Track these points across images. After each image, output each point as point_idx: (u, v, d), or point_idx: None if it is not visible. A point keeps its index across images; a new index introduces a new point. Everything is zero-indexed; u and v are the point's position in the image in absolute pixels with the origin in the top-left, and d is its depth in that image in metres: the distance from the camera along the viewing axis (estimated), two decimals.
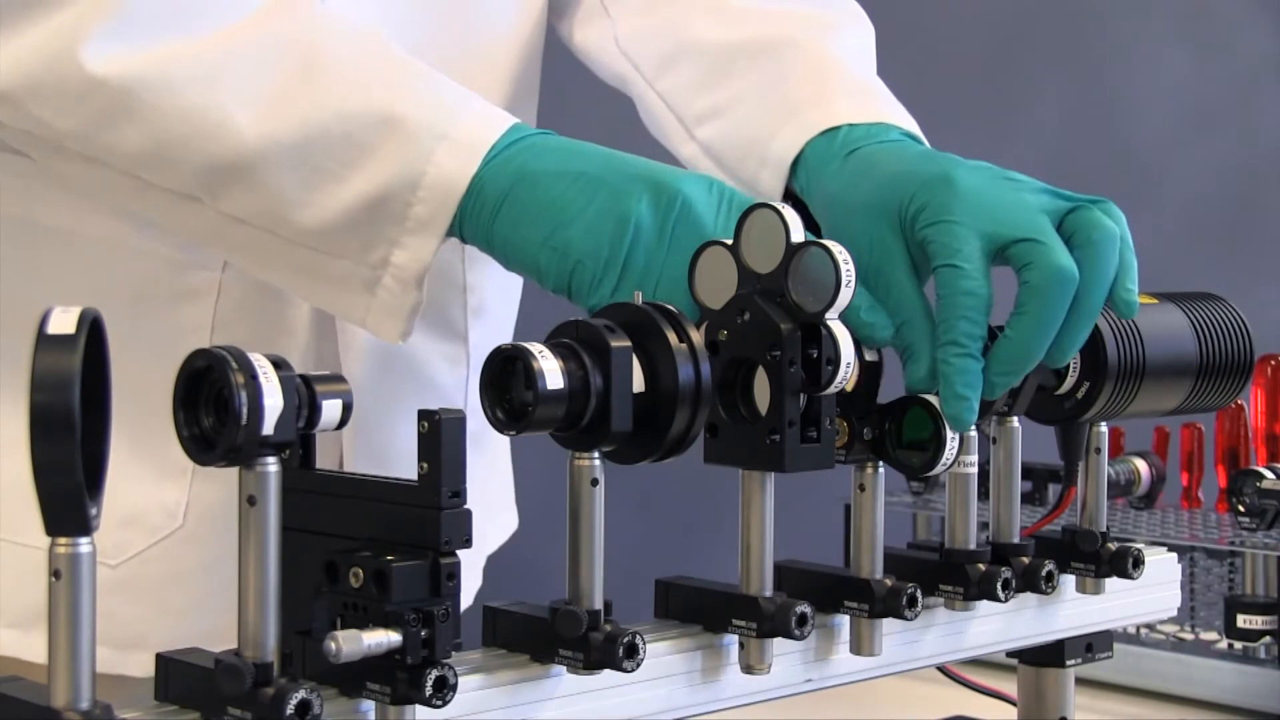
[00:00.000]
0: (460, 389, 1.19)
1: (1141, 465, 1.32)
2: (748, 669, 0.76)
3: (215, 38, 0.88)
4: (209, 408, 0.61)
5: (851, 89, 1.01)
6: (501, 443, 1.29)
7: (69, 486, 0.55)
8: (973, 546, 0.85)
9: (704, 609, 0.77)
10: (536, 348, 0.67)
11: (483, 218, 0.85)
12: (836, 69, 1.03)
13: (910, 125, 1.01)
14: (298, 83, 0.87)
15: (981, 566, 0.84)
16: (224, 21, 0.88)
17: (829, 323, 0.75)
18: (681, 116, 1.08)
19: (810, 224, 0.91)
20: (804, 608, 0.75)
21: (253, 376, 0.60)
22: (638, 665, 0.69)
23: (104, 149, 0.89)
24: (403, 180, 0.86)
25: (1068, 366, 0.89)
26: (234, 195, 0.87)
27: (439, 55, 1.14)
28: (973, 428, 0.82)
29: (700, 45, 1.09)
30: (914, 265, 0.84)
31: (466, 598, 1.13)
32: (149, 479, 1.03)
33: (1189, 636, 1.31)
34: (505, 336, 1.24)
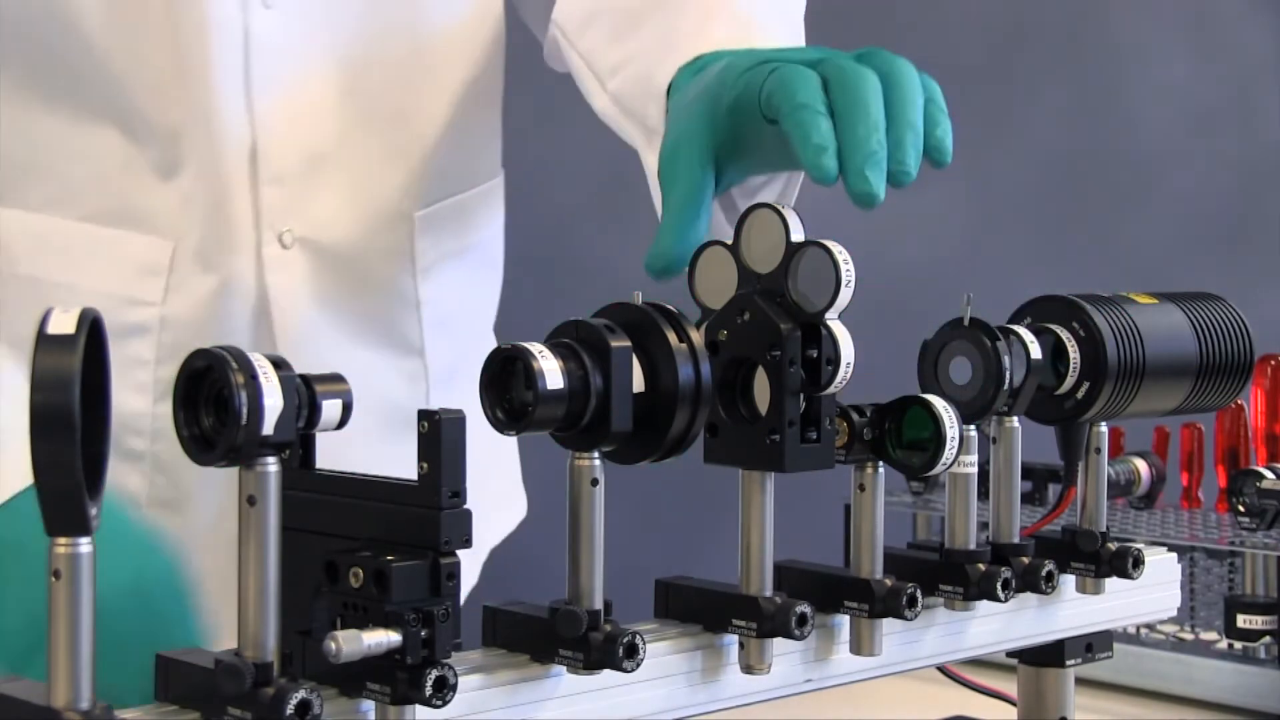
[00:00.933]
0: (420, 404, 1.19)
1: (1141, 465, 1.32)
2: (748, 669, 0.76)
3: None
4: (209, 408, 0.61)
5: (735, 17, 1.02)
6: None
7: (69, 486, 0.55)
8: (973, 546, 0.85)
9: (704, 609, 0.77)
10: (536, 347, 0.67)
11: None
12: (727, 2, 1.05)
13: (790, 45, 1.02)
14: None
15: (981, 566, 0.84)
16: None
17: (829, 323, 0.75)
18: (597, 72, 1.09)
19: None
20: (804, 608, 0.75)
21: (253, 376, 0.60)
22: (638, 665, 0.69)
23: None
24: None
25: (1069, 366, 0.89)
26: None
27: (390, 63, 1.14)
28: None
29: (615, 1, 1.10)
30: (714, 151, 0.88)
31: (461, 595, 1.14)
32: None
33: (1189, 636, 1.30)
34: (473, 347, 1.24)
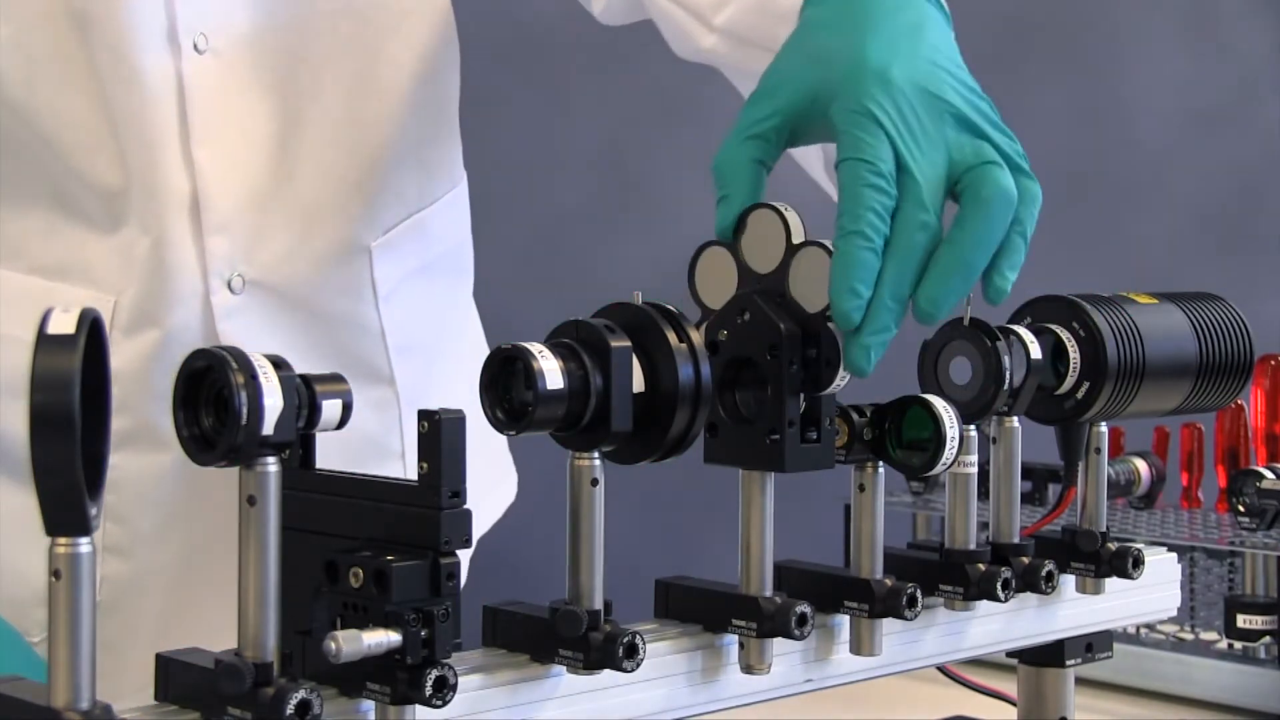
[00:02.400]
0: (394, 431, 1.18)
1: (1141, 465, 1.32)
2: (748, 669, 0.76)
3: None
4: (209, 408, 0.61)
5: None
6: None
7: (69, 486, 0.55)
8: (973, 546, 0.85)
9: (704, 609, 0.77)
10: (536, 348, 0.67)
11: None
12: None
13: None
14: None
15: (981, 566, 0.85)
16: None
17: (829, 323, 0.75)
18: (697, 11, 1.07)
19: None
20: (804, 608, 0.75)
21: (253, 376, 0.60)
22: (638, 665, 0.69)
23: None
24: None
25: (1069, 366, 0.89)
26: None
27: (334, 92, 1.10)
28: (968, 433, 0.81)
29: None
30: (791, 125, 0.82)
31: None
32: None
33: (1189, 636, 1.30)
34: (446, 367, 1.23)
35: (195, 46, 1.05)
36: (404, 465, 1.18)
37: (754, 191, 0.80)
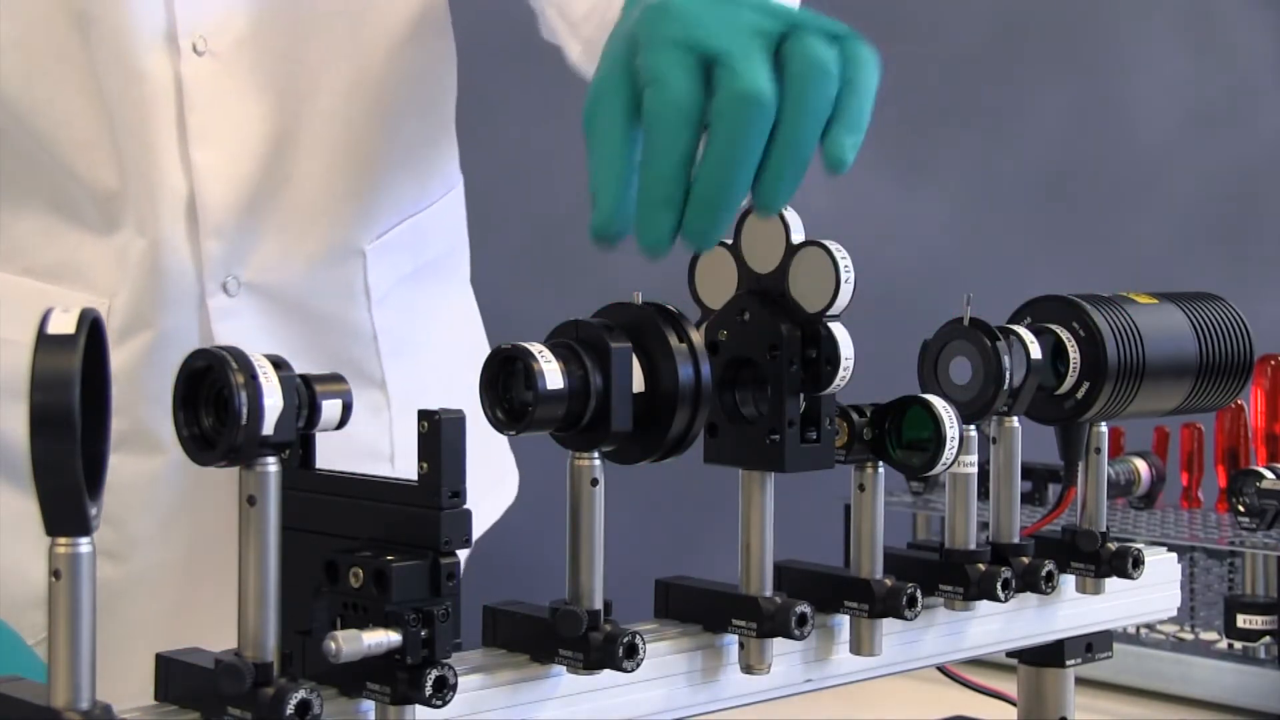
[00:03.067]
0: (384, 435, 1.17)
1: (1141, 465, 1.32)
2: (748, 669, 0.76)
3: None
4: (209, 408, 0.61)
5: None
6: None
7: (69, 486, 0.55)
8: (973, 546, 0.85)
9: (704, 609, 0.77)
10: (536, 348, 0.67)
11: None
12: None
13: None
14: None
15: (981, 566, 0.84)
16: None
17: (829, 323, 0.75)
18: (571, 21, 1.07)
19: None
20: (804, 608, 0.75)
21: (253, 376, 0.60)
22: (638, 665, 0.69)
23: None
24: None
25: (1069, 366, 0.89)
26: None
27: (332, 96, 1.10)
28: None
29: None
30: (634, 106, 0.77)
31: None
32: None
33: (1189, 636, 1.30)
34: (441, 370, 1.22)
35: (195, 48, 1.04)
36: (393, 469, 1.18)
37: (623, 179, 0.77)
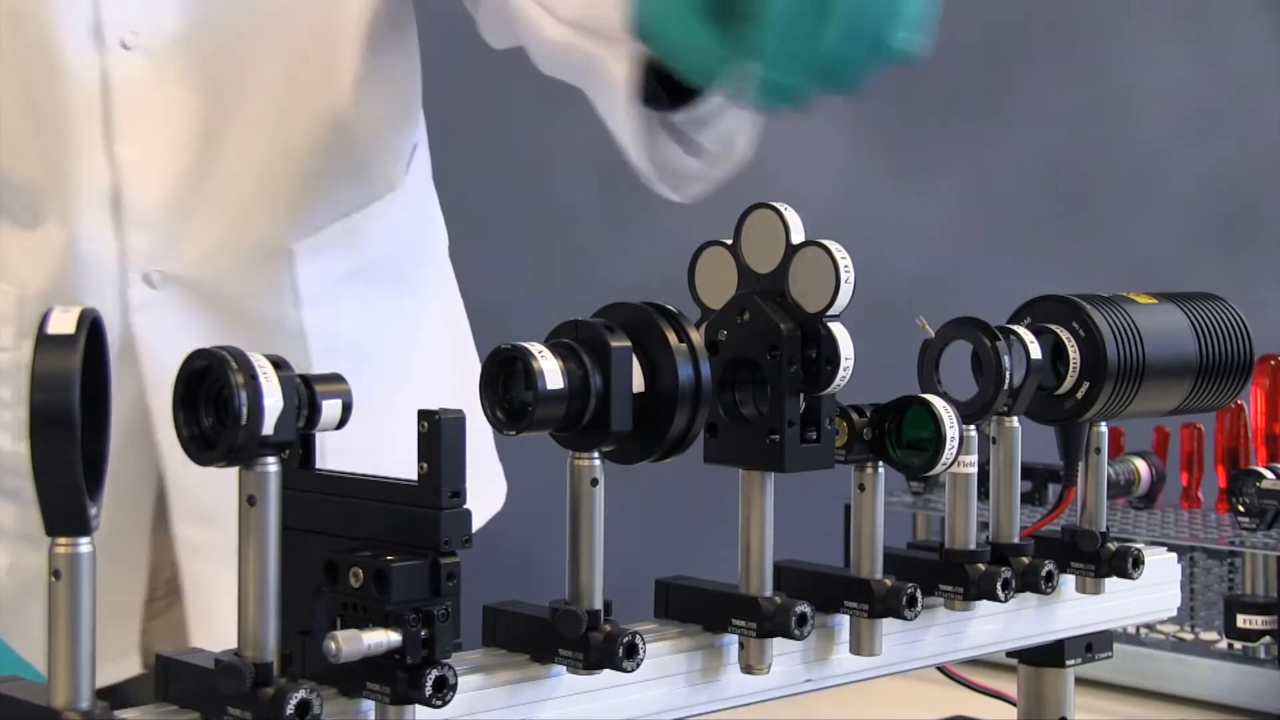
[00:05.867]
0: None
1: (1141, 465, 1.32)
2: (748, 669, 0.76)
3: None
4: (209, 408, 0.61)
5: None
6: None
7: (69, 486, 0.55)
8: (973, 546, 0.85)
9: (704, 609, 0.77)
10: (536, 348, 0.67)
11: None
12: None
13: None
14: None
15: (981, 566, 0.84)
16: None
17: (829, 323, 0.75)
18: (546, 3, 1.05)
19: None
20: (804, 608, 0.75)
21: (253, 376, 0.60)
22: (638, 665, 0.69)
23: None
24: None
25: (1069, 366, 0.89)
26: None
27: (262, 92, 1.09)
28: (971, 430, 0.81)
29: None
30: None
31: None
32: None
33: (1189, 636, 1.30)
34: (392, 374, 1.21)
35: (123, 43, 1.04)
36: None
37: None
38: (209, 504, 1.09)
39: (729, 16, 0.86)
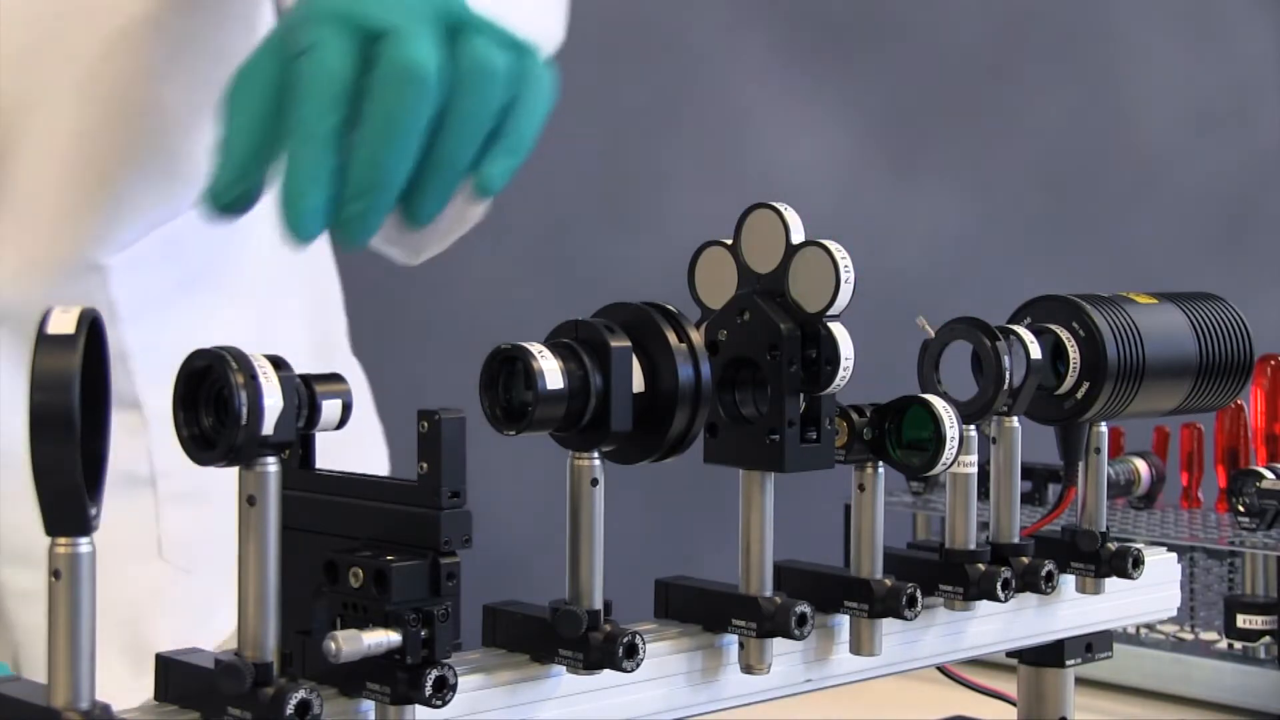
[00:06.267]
0: (142, 457, 1.10)
1: (1141, 465, 1.32)
2: (748, 669, 0.76)
3: None
4: (209, 408, 0.61)
5: None
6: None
7: (69, 486, 0.55)
8: (973, 546, 0.85)
9: (704, 609, 0.77)
10: (536, 347, 0.67)
11: None
12: None
13: None
14: None
15: (981, 566, 0.85)
16: None
17: (829, 323, 0.75)
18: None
19: None
20: (804, 608, 0.75)
21: (252, 376, 0.60)
22: (638, 665, 0.69)
23: None
24: None
25: (1069, 366, 0.89)
26: None
27: (63, 96, 1.01)
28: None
29: None
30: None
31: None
32: None
33: (1189, 636, 1.30)
34: None
35: None
36: (154, 492, 1.10)
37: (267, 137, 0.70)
38: (38, 546, 1.04)
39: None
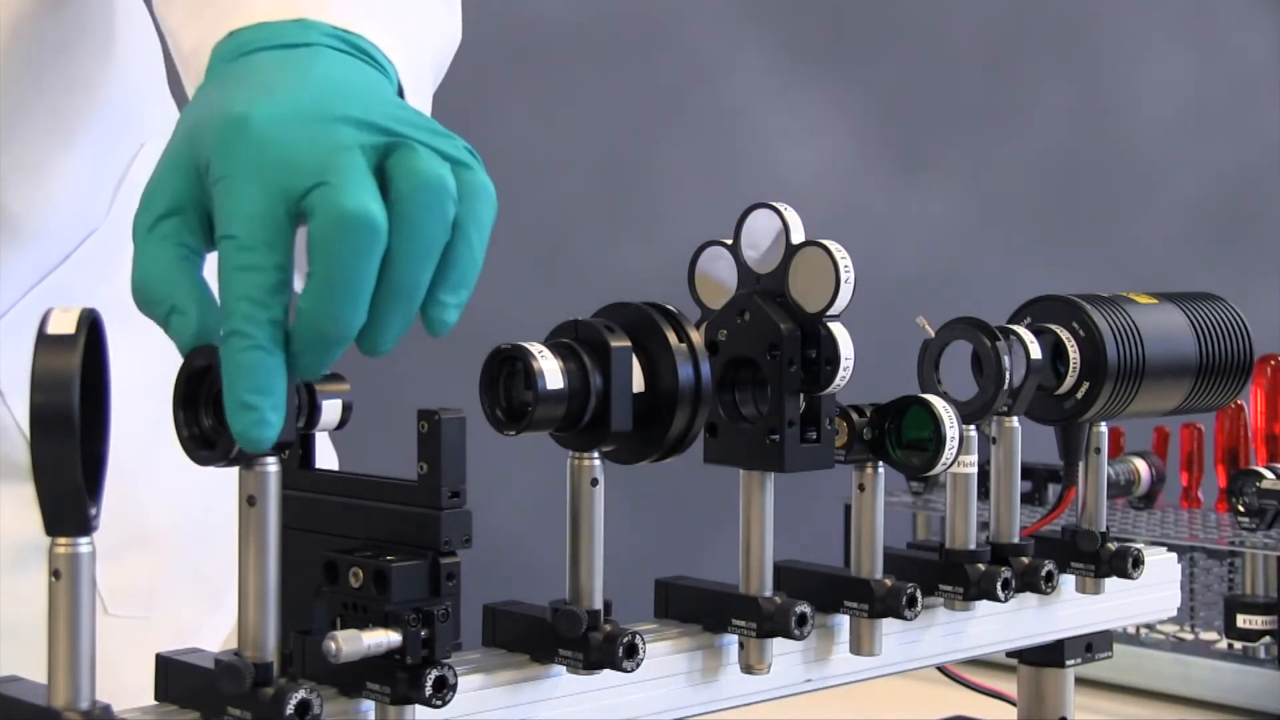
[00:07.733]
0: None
1: (1141, 465, 1.32)
2: (747, 669, 0.76)
3: None
4: (209, 408, 0.61)
5: None
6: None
7: (69, 486, 0.55)
8: (973, 546, 0.85)
9: (704, 609, 0.77)
10: (536, 348, 0.67)
11: None
12: None
13: (368, 26, 0.74)
14: None
15: (981, 566, 0.85)
16: None
17: (829, 323, 0.75)
18: (170, 30, 0.85)
19: None
20: (804, 608, 0.75)
21: None
22: (638, 665, 0.69)
23: None
24: None
25: (1069, 366, 0.89)
26: None
27: None
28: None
29: None
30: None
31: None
32: None
33: (1189, 636, 1.31)
34: (129, 436, 0.97)
35: None
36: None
37: (197, 290, 0.63)
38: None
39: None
